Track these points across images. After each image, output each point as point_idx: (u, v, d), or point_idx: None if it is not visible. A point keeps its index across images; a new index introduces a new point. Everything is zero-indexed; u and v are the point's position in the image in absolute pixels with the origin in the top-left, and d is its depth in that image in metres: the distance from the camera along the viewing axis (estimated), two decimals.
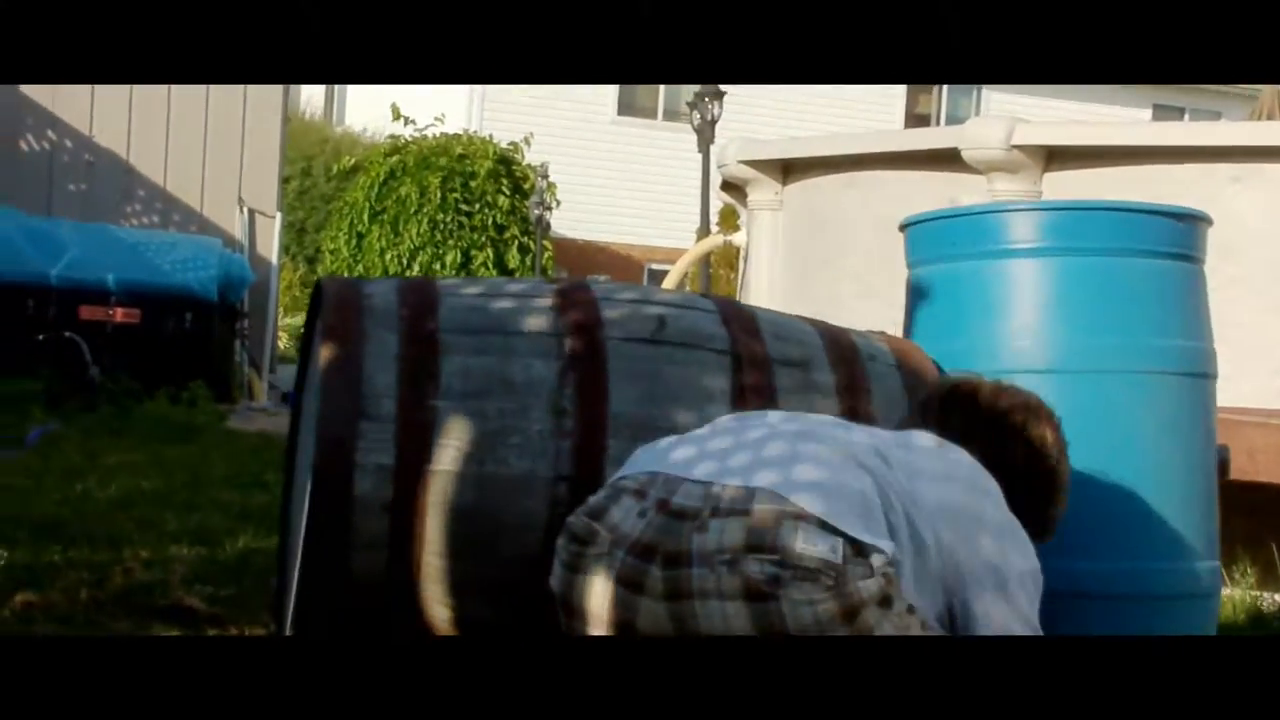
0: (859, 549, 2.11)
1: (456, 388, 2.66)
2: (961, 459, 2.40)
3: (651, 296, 2.90)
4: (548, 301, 2.81)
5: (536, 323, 2.76)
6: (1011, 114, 5.16)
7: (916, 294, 3.14)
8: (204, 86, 10.76)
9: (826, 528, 2.10)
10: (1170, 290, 3.01)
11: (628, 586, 2.15)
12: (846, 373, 2.87)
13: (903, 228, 3.19)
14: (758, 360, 2.78)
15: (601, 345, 2.72)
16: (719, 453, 2.28)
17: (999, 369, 2.94)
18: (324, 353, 2.69)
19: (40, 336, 9.00)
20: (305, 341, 3.12)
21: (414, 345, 2.69)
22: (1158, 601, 2.98)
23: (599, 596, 2.18)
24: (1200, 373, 3.04)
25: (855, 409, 2.82)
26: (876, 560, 2.11)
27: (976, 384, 2.64)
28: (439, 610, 2.67)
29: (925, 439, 2.43)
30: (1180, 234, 3.03)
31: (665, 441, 2.37)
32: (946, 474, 2.36)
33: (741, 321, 2.85)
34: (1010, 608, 2.32)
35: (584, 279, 3.04)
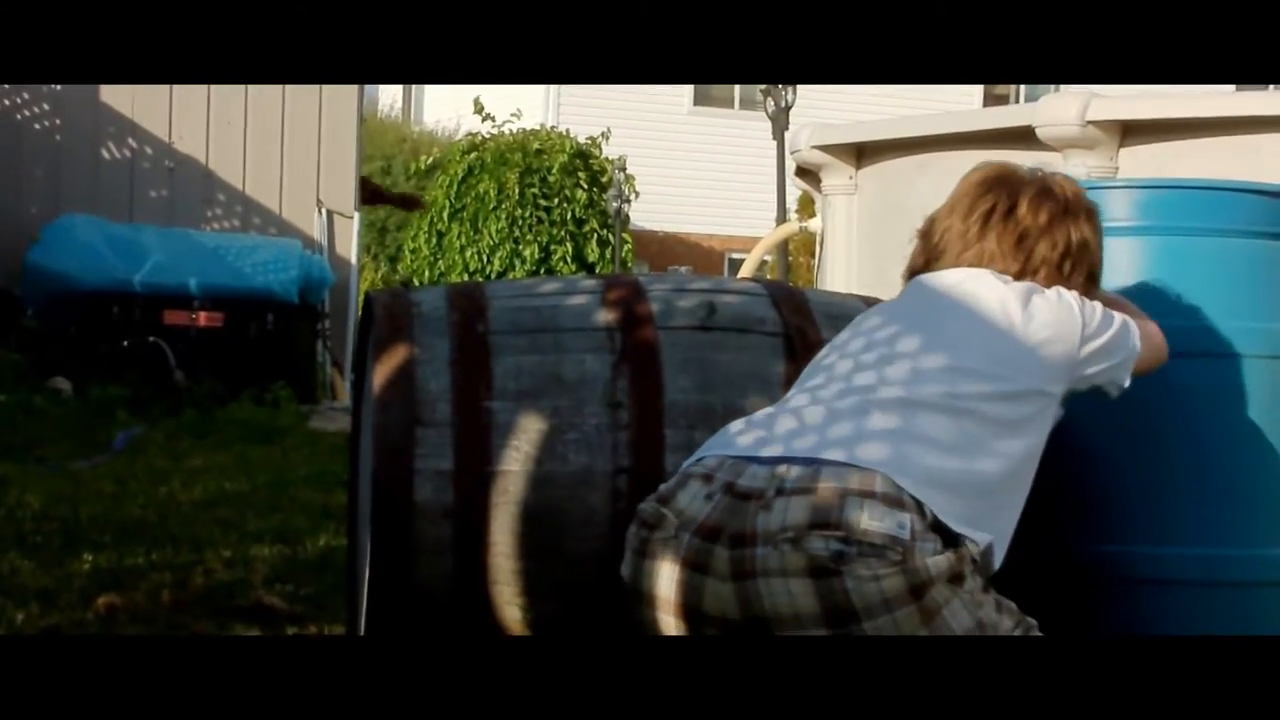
0: (933, 523, 2.09)
1: (511, 388, 2.66)
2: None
3: (701, 284, 2.87)
4: (596, 296, 2.81)
5: (586, 318, 2.75)
6: (1088, 89, 5.06)
7: None
8: (280, 89, 10.85)
9: (894, 500, 2.08)
10: (1274, 271, 2.92)
11: (693, 568, 2.14)
12: None
13: None
14: (809, 341, 2.75)
15: (653, 336, 2.71)
16: (787, 434, 2.25)
17: None
18: (377, 363, 2.70)
19: (125, 342, 9.12)
20: (359, 355, 3.13)
21: (465, 349, 2.68)
22: (1249, 588, 2.91)
23: (666, 579, 2.17)
24: None
25: None
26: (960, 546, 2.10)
27: None
28: (509, 611, 2.66)
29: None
30: None
31: (735, 425, 2.35)
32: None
33: (792, 303, 2.83)
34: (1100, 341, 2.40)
35: (631, 274, 3.03)
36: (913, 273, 2.56)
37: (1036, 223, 2.46)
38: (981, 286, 2.39)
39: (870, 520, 2.06)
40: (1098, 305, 2.44)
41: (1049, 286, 2.44)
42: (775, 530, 2.09)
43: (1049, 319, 2.35)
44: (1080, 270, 2.49)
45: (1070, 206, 2.49)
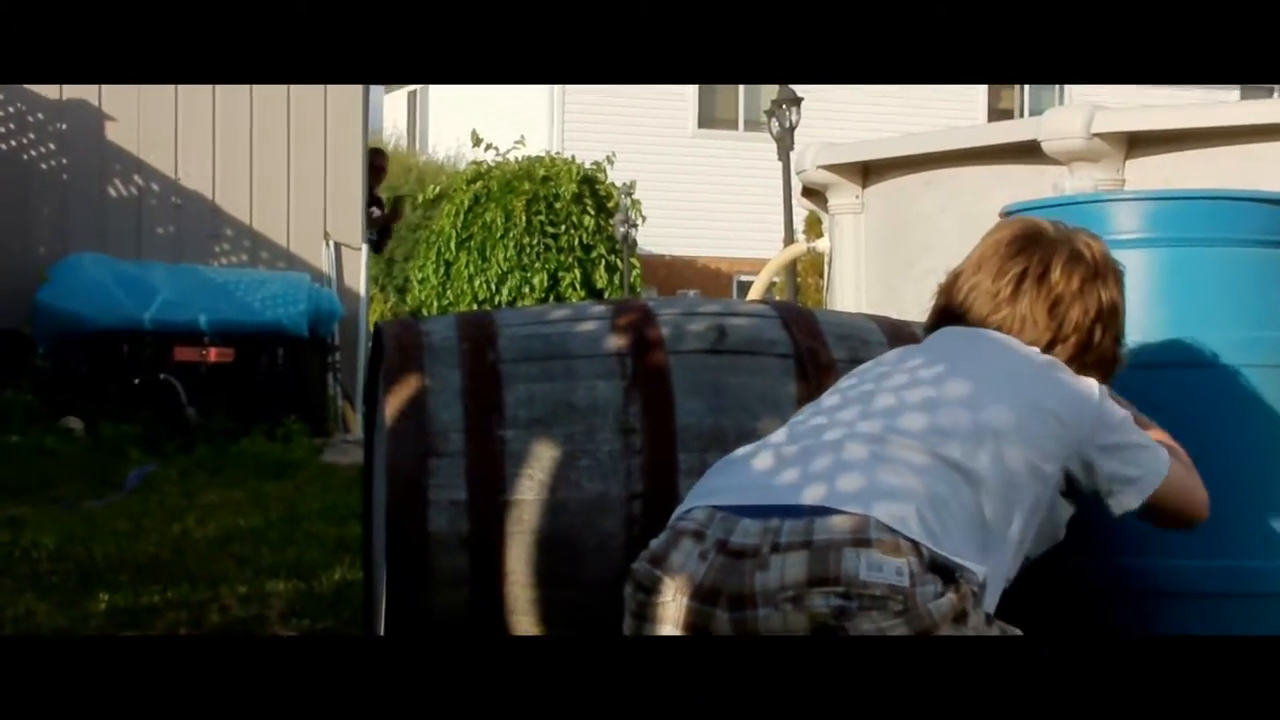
0: (930, 563, 2.07)
1: (523, 416, 2.67)
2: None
3: (710, 307, 2.87)
4: (606, 322, 2.81)
5: (597, 344, 2.75)
6: (1092, 102, 5.07)
7: None
8: (284, 123, 10.87)
9: (890, 545, 2.06)
10: None
11: (694, 632, 2.12)
12: None
13: (1003, 215, 3.13)
14: (821, 362, 2.75)
15: (664, 360, 2.72)
16: (780, 466, 2.24)
17: None
18: (388, 395, 2.69)
19: (136, 380, 9.12)
20: (370, 386, 3.13)
21: (476, 378, 2.69)
22: (1271, 599, 2.90)
23: None
24: None
25: None
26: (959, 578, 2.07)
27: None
28: None
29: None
30: None
31: (717, 469, 2.34)
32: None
33: (802, 324, 2.83)
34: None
35: (641, 299, 3.03)
36: (932, 328, 2.53)
37: (1070, 288, 2.43)
38: (1011, 357, 2.38)
39: (869, 571, 2.04)
40: (1125, 413, 2.40)
41: (1080, 350, 2.43)
42: (775, 589, 2.06)
43: (1065, 397, 2.34)
44: (1109, 334, 2.47)
45: (1100, 269, 2.47)
